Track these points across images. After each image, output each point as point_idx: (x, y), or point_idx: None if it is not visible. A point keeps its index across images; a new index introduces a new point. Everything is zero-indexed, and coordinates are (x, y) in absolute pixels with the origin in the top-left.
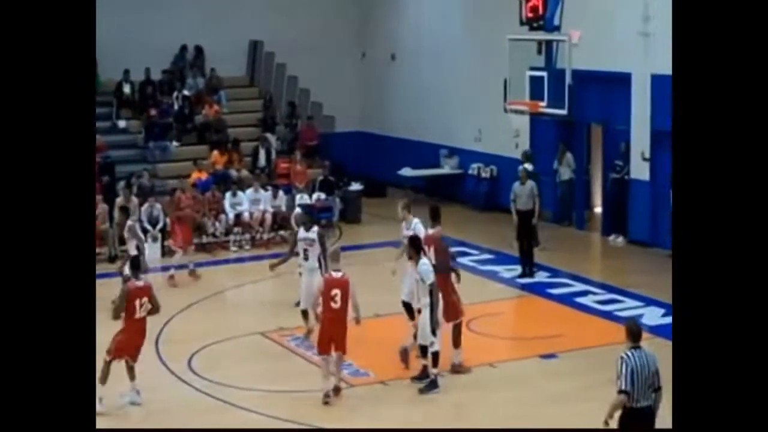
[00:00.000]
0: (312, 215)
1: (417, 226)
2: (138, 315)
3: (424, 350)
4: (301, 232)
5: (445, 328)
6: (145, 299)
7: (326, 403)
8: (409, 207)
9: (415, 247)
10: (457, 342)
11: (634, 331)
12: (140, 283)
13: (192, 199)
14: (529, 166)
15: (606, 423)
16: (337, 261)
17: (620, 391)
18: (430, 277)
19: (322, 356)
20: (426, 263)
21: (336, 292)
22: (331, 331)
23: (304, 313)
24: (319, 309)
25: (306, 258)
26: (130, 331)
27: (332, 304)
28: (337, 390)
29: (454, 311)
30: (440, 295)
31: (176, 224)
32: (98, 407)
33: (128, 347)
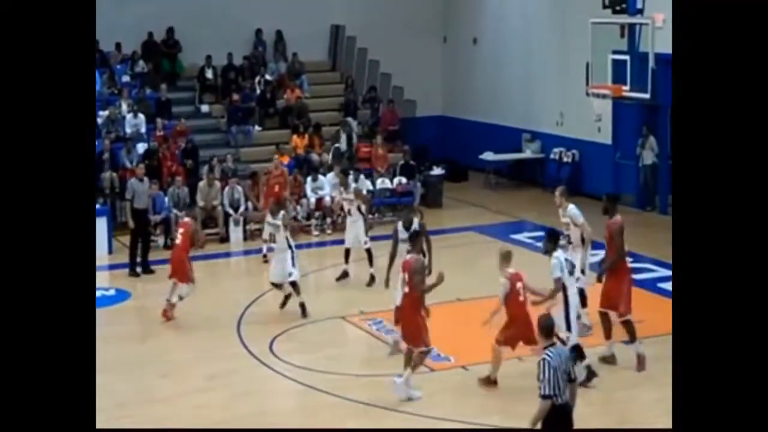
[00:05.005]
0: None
1: (572, 212)
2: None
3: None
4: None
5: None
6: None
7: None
8: (566, 193)
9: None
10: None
11: (548, 326)
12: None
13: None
14: None
15: None
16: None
17: (544, 396)
18: (556, 273)
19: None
20: (557, 257)
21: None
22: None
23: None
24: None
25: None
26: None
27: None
28: None
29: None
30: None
31: None
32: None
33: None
